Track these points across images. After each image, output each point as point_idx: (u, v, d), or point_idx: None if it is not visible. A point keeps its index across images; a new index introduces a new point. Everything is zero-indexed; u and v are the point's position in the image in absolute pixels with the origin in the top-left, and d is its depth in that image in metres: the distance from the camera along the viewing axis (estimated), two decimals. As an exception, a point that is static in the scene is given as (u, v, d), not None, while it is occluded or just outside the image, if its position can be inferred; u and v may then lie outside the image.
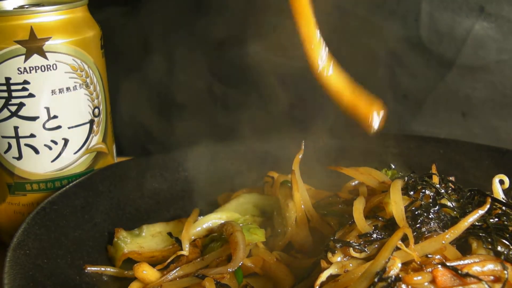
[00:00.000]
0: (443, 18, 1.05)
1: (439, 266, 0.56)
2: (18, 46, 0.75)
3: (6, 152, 0.79)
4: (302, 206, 0.75)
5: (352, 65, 1.00)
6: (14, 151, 0.79)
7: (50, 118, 0.78)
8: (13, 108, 0.77)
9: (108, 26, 0.87)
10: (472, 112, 1.10)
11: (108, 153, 0.87)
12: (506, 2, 1.02)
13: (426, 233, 0.60)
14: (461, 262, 0.57)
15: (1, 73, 0.75)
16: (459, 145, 0.93)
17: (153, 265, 0.73)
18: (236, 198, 0.86)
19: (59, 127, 0.80)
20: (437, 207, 0.63)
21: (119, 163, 0.90)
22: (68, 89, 0.79)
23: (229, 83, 1.13)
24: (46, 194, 0.81)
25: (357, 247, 0.60)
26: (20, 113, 0.77)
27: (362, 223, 0.62)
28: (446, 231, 0.59)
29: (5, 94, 0.76)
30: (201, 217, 0.81)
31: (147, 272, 0.71)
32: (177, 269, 0.71)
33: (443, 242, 0.58)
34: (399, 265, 0.56)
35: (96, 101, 0.83)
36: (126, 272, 0.74)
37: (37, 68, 0.76)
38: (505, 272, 0.56)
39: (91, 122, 0.83)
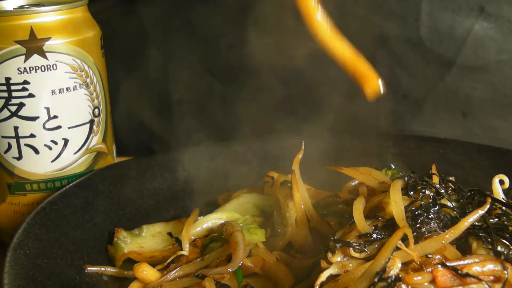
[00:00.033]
0: (443, 18, 1.05)
1: (439, 266, 0.56)
2: (18, 46, 0.75)
3: (6, 152, 0.79)
4: (302, 206, 0.75)
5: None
6: (14, 151, 0.79)
7: (50, 118, 0.78)
8: (13, 108, 0.77)
9: (108, 26, 0.87)
10: (472, 112, 1.10)
11: (108, 153, 0.87)
12: (506, 2, 1.02)
13: (426, 233, 0.60)
14: (461, 262, 0.57)
15: (1, 73, 0.75)
16: (459, 145, 0.93)
17: (153, 265, 0.73)
18: (236, 198, 0.86)
19: (59, 127, 0.80)
20: (437, 207, 0.63)
21: (119, 163, 0.90)
22: (68, 89, 0.79)
23: (230, 83, 1.13)
24: (46, 194, 0.81)
25: (357, 247, 0.60)
26: (20, 113, 0.77)
27: (362, 223, 0.62)
28: (446, 231, 0.59)
29: (5, 94, 0.76)
30: (201, 217, 0.81)
31: (147, 272, 0.71)
32: (177, 269, 0.71)
33: (443, 242, 0.58)
34: (399, 265, 0.56)
35: (96, 101, 0.83)
36: (126, 272, 0.74)
37: (37, 68, 0.76)
38: (505, 272, 0.56)
39: (91, 122, 0.83)
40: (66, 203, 0.78)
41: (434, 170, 0.70)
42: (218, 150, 0.96)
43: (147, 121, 1.18)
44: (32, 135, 0.78)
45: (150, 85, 1.13)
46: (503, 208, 0.64)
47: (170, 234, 0.79)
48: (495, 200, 0.64)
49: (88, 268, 0.73)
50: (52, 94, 0.78)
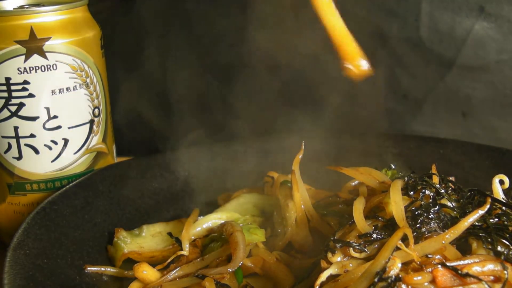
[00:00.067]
0: (443, 18, 1.05)
1: (439, 266, 0.56)
2: (18, 46, 0.75)
3: (6, 152, 0.79)
4: (302, 206, 0.75)
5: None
6: (14, 151, 0.79)
7: (50, 118, 0.78)
8: (13, 108, 0.77)
9: (108, 26, 0.87)
10: (472, 112, 1.10)
11: (108, 153, 0.87)
12: (506, 2, 1.02)
13: (426, 233, 0.60)
14: (461, 262, 0.57)
15: (1, 73, 0.75)
16: (459, 145, 0.93)
17: (153, 265, 0.73)
18: (236, 198, 0.86)
19: (59, 127, 0.80)
20: (437, 207, 0.63)
21: (119, 163, 0.90)
22: (68, 89, 0.79)
23: (230, 82, 1.13)
24: (46, 194, 0.81)
25: (357, 247, 0.60)
26: (20, 113, 0.77)
27: (362, 223, 0.62)
28: (446, 231, 0.59)
29: (5, 94, 0.76)
30: (201, 217, 0.81)
31: (147, 272, 0.71)
32: (177, 269, 0.71)
33: (443, 242, 0.58)
34: (399, 265, 0.56)
35: (96, 101, 0.83)
36: (126, 272, 0.74)
37: (37, 68, 0.76)
38: (505, 272, 0.56)
39: (91, 122, 0.83)
40: (66, 203, 0.78)
41: (434, 170, 0.70)
42: (218, 150, 0.96)
43: (147, 121, 1.18)
44: (32, 135, 0.78)
45: (150, 85, 1.13)
46: (503, 208, 0.64)
47: (170, 234, 0.79)
48: (495, 200, 0.64)
49: (88, 268, 0.73)
50: (52, 94, 0.78)
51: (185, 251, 0.74)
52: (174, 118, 1.00)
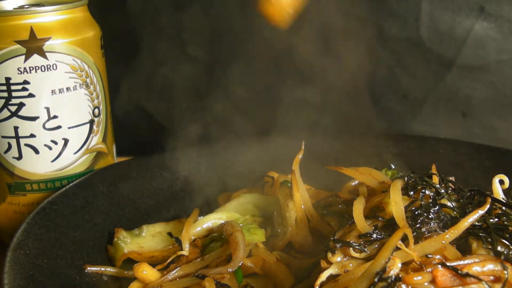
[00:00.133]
0: (443, 18, 1.05)
1: (439, 266, 0.56)
2: (18, 46, 0.75)
3: (6, 152, 0.79)
4: (302, 206, 0.75)
5: (352, 65, 1.00)
6: (14, 151, 0.79)
7: (50, 118, 0.78)
8: (13, 108, 0.77)
9: (108, 26, 0.87)
10: (472, 112, 1.10)
11: (108, 153, 0.87)
12: (506, 2, 1.02)
13: (426, 233, 0.60)
14: (461, 262, 0.57)
15: (1, 73, 0.75)
16: (459, 145, 0.93)
17: (153, 265, 0.73)
18: (236, 198, 0.86)
19: (59, 127, 0.80)
20: (437, 207, 0.63)
21: (119, 163, 0.90)
22: (68, 89, 0.79)
23: (230, 82, 1.13)
24: (46, 194, 0.81)
25: (357, 247, 0.60)
26: (20, 113, 0.77)
27: (362, 223, 0.62)
28: (446, 231, 0.59)
29: (5, 94, 0.76)
30: (201, 217, 0.81)
31: (147, 272, 0.71)
32: (177, 269, 0.71)
33: (443, 242, 0.58)
34: (399, 265, 0.56)
35: (96, 101, 0.83)
36: (126, 272, 0.74)
37: (37, 68, 0.76)
38: (505, 272, 0.56)
39: (91, 122, 0.83)
40: (66, 203, 0.78)
41: (434, 170, 0.70)
42: (218, 150, 0.96)
43: (147, 121, 1.18)
44: (32, 135, 0.78)
45: (150, 84, 1.13)
46: (503, 208, 0.64)
47: (170, 234, 0.79)
48: (495, 200, 0.64)
49: (88, 268, 0.73)
50: (52, 94, 0.78)
51: (185, 251, 0.74)
52: (174, 117, 1.00)
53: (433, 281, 0.55)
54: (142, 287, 0.71)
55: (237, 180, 0.92)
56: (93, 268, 0.73)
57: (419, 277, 0.55)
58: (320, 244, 0.68)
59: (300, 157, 0.77)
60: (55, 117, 0.79)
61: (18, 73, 0.75)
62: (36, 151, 0.79)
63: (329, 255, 0.61)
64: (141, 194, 0.88)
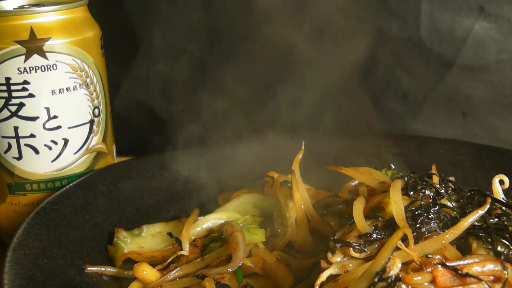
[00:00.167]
0: (443, 18, 1.05)
1: (439, 266, 0.56)
2: (18, 46, 0.75)
3: (6, 152, 0.79)
4: (302, 206, 0.75)
5: (352, 65, 1.00)
6: (14, 151, 0.79)
7: (50, 118, 0.78)
8: (13, 108, 0.77)
9: (108, 26, 0.87)
10: (472, 112, 1.10)
11: (108, 153, 0.87)
12: (506, 2, 1.02)
13: (426, 233, 0.60)
14: (461, 262, 0.57)
15: (1, 73, 0.75)
16: (459, 145, 0.93)
17: (153, 265, 0.73)
18: (236, 198, 0.86)
19: (59, 127, 0.80)
20: (437, 207, 0.63)
21: (119, 163, 0.90)
22: (68, 89, 0.79)
23: (230, 82, 1.13)
24: (46, 194, 0.81)
25: (357, 247, 0.60)
26: (20, 113, 0.77)
27: (362, 223, 0.62)
28: (446, 231, 0.59)
29: (5, 94, 0.76)
30: (201, 217, 0.81)
31: (147, 272, 0.71)
32: (177, 269, 0.71)
33: (443, 242, 0.58)
34: (399, 265, 0.56)
35: (96, 101, 0.83)
36: (126, 272, 0.74)
37: (37, 68, 0.76)
38: (505, 272, 0.56)
39: (91, 122, 0.83)
40: (66, 203, 0.78)
41: (434, 170, 0.70)
42: (218, 150, 0.96)
43: (147, 120, 1.18)
44: (32, 135, 0.78)
45: (150, 84, 1.13)
46: (503, 208, 0.64)
47: (170, 234, 0.79)
48: (495, 200, 0.64)
49: (88, 268, 0.73)
50: (52, 94, 0.78)
51: (185, 251, 0.74)
52: (174, 118, 1.00)
53: (433, 281, 0.55)
54: (142, 287, 0.71)
55: (237, 180, 0.92)
56: (93, 268, 0.73)
57: (419, 277, 0.55)
58: (320, 244, 0.68)
59: (300, 157, 0.77)
60: (55, 117, 0.79)
61: (18, 73, 0.75)
62: (36, 151, 0.79)
63: (329, 255, 0.61)
64: (141, 194, 0.88)
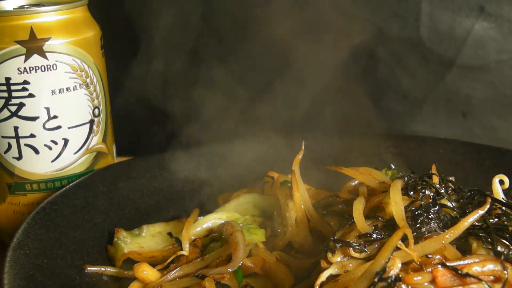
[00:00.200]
0: (443, 18, 1.05)
1: (439, 266, 0.56)
2: (18, 46, 0.75)
3: (6, 152, 0.79)
4: (302, 206, 0.75)
5: (352, 65, 1.00)
6: (14, 151, 0.79)
7: (50, 118, 0.78)
8: (13, 108, 0.77)
9: (108, 26, 0.87)
10: (472, 112, 1.10)
11: (108, 153, 0.87)
12: (506, 2, 1.02)
13: (426, 233, 0.60)
14: (461, 262, 0.57)
15: (1, 73, 0.75)
16: (459, 145, 0.93)
17: (153, 265, 0.73)
18: (236, 198, 0.86)
19: (59, 127, 0.80)
20: (437, 207, 0.63)
21: (119, 163, 0.90)
22: (68, 89, 0.79)
23: (230, 83, 1.13)
24: (46, 194, 0.81)
25: (357, 247, 0.60)
26: (20, 113, 0.77)
27: (362, 223, 0.62)
28: (446, 231, 0.59)
29: (5, 94, 0.76)
30: (201, 217, 0.81)
31: (147, 272, 0.71)
32: (177, 269, 0.71)
33: (443, 242, 0.58)
34: (399, 265, 0.56)
35: (96, 101, 0.83)
36: (126, 272, 0.74)
37: (37, 68, 0.76)
38: (505, 272, 0.56)
39: (91, 122, 0.83)
40: (66, 203, 0.78)
41: (434, 170, 0.70)
42: (218, 150, 0.96)
43: (147, 121, 1.18)
44: (32, 135, 0.78)
45: (150, 84, 1.13)
46: (503, 208, 0.64)
47: (170, 234, 0.79)
48: (495, 200, 0.64)
49: (88, 268, 0.73)
50: (52, 94, 0.78)
51: (185, 251, 0.74)
52: (174, 117, 1.00)
53: (433, 281, 0.55)
54: (142, 287, 0.71)
55: (237, 180, 0.92)
56: (93, 268, 0.73)
57: (419, 277, 0.55)
58: (320, 244, 0.68)
59: (300, 157, 0.77)
60: (55, 117, 0.79)
61: (18, 73, 0.75)
62: (36, 151, 0.79)
63: (329, 255, 0.61)
64: (141, 194, 0.88)
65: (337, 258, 0.61)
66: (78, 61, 0.79)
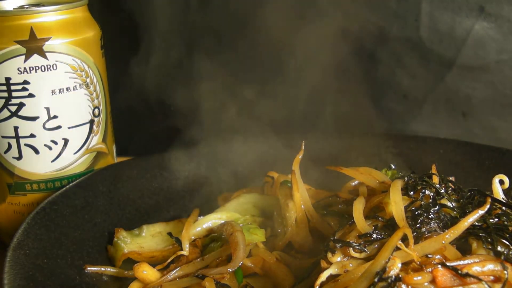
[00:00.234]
0: (443, 18, 1.05)
1: (439, 266, 0.56)
2: (18, 46, 0.75)
3: (6, 152, 0.79)
4: (302, 206, 0.75)
5: (352, 65, 1.00)
6: (14, 151, 0.79)
7: (50, 118, 0.78)
8: (13, 108, 0.77)
9: (108, 26, 0.87)
10: (472, 112, 1.10)
11: (108, 153, 0.87)
12: (506, 2, 1.02)
13: (426, 233, 0.60)
14: (461, 262, 0.57)
15: (1, 73, 0.75)
16: (459, 145, 0.93)
17: (153, 265, 0.73)
18: (236, 198, 0.86)
19: (59, 127, 0.80)
20: (437, 207, 0.63)
21: (119, 163, 0.90)
22: (68, 89, 0.79)
23: (229, 83, 1.13)
24: (46, 194, 0.81)
25: (357, 247, 0.60)
26: (20, 113, 0.77)
27: (362, 223, 0.62)
28: (446, 231, 0.59)
29: (5, 94, 0.76)
30: (201, 217, 0.81)
31: (147, 272, 0.71)
32: (177, 269, 0.71)
33: (443, 242, 0.58)
34: (399, 265, 0.56)
35: (96, 101, 0.83)
36: (126, 272, 0.74)
37: (37, 68, 0.76)
38: (505, 272, 0.56)
39: (91, 122, 0.83)
40: (66, 203, 0.78)
41: (434, 170, 0.70)
42: (218, 150, 0.96)
43: (147, 121, 1.18)
44: (32, 135, 0.78)
45: (150, 84, 1.13)
46: (503, 208, 0.64)
47: (170, 234, 0.79)
48: (495, 200, 0.64)
49: (88, 268, 0.73)
50: (52, 94, 0.78)
51: (185, 251, 0.74)
52: (174, 117, 1.00)
53: (433, 281, 0.55)
54: (142, 287, 0.71)
55: (237, 180, 0.92)
56: (93, 268, 0.73)
57: (419, 277, 0.55)
58: (320, 244, 0.68)
59: (300, 157, 0.77)
60: (55, 117, 0.79)
61: (18, 73, 0.75)
62: (36, 151, 0.79)
63: (329, 255, 0.61)
64: (141, 194, 0.88)
65: (337, 258, 0.61)
66: (78, 61, 0.79)
